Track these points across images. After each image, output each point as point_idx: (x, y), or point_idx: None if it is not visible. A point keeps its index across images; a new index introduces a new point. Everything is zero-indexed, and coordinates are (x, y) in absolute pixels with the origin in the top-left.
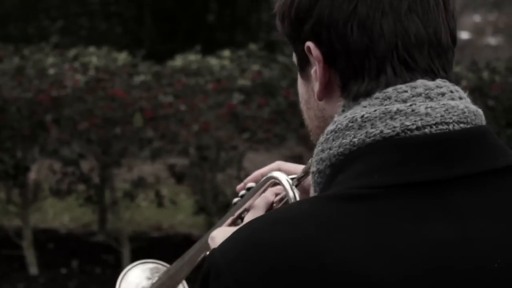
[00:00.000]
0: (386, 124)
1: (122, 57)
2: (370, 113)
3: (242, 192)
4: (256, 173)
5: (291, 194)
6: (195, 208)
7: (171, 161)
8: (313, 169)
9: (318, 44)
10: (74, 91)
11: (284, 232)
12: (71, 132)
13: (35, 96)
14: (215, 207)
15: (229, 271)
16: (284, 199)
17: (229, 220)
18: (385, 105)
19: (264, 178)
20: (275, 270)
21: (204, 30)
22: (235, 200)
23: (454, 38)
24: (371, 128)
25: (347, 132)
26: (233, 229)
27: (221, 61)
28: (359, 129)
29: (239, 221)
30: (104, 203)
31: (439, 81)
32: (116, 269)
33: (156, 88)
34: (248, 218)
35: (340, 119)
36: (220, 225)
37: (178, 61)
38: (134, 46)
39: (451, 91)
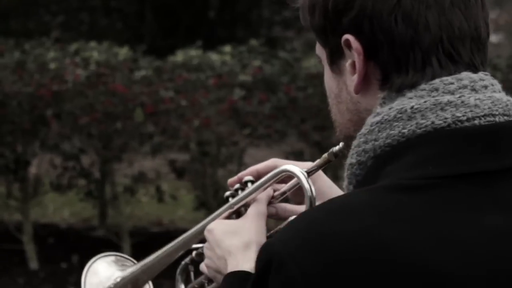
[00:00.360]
0: (437, 115)
1: (123, 52)
2: (420, 104)
3: (237, 185)
4: (252, 169)
5: (306, 186)
6: (196, 204)
7: (172, 156)
8: (351, 160)
9: (358, 37)
10: (75, 86)
11: (347, 222)
12: (72, 126)
13: (36, 90)
14: (216, 203)
15: (292, 261)
16: (285, 193)
17: (226, 214)
18: (433, 96)
19: (276, 171)
20: (341, 260)
21: (205, 26)
22: (228, 193)
23: (489, 34)
24: (422, 119)
25: (395, 123)
26: (235, 222)
27: (222, 57)
28: (408, 120)
29: (234, 216)
30: (104, 198)
31: (481, 74)
32: None
33: (157, 83)
34: (252, 211)
35: (386, 111)
36: (215, 219)
37: (179, 56)
38: (135, 41)
39: (492, 84)
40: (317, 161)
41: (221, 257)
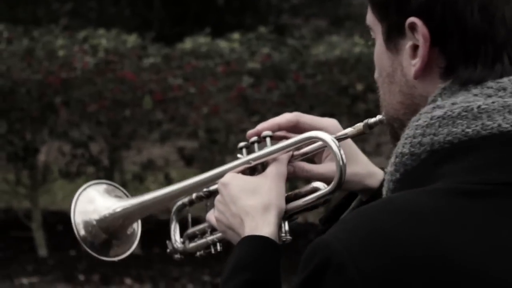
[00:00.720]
0: (504, 118)
1: (132, 39)
2: (487, 104)
3: (254, 138)
4: (273, 122)
5: (338, 156)
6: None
7: (180, 143)
8: (403, 150)
9: (426, 22)
10: (83, 73)
11: (410, 227)
12: (81, 114)
13: (45, 78)
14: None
15: (353, 263)
16: (306, 154)
17: (242, 168)
18: (500, 96)
19: (304, 136)
20: (403, 265)
21: (213, 13)
22: (242, 144)
23: None
24: (488, 120)
25: (459, 121)
26: (254, 180)
27: (230, 44)
28: (473, 119)
29: (248, 171)
30: None
31: None
32: None
33: (166, 70)
34: (272, 171)
35: (449, 105)
36: (228, 171)
37: (187, 43)
38: (144, 29)
39: None
40: (349, 130)
41: (236, 215)
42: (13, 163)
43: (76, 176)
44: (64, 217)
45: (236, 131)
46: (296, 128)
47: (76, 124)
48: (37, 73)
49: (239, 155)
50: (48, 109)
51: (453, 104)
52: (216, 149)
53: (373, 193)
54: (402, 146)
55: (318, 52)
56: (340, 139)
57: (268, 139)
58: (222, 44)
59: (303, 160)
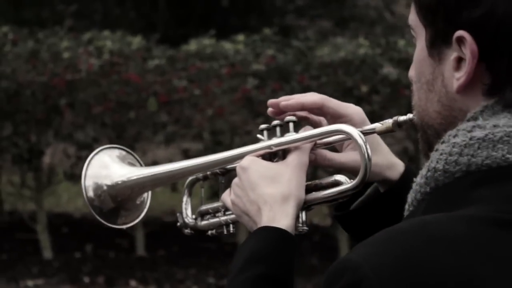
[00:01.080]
0: None
1: (136, 41)
2: None
3: (276, 122)
4: (298, 101)
5: (363, 151)
6: (209, 193)
7: (185, 145)
8: (437, 165)
9: (477, 38)
10: (88, 75)
11: (443, 256)
12: (85, 116)
13: (50, 80)
14: (227, 187)
15: None
16: (329, 144)
17: (262, 152)
18: None
19: (330, 129)
20: None
21: (218, 15)
22: (263, 126)
23: None
24: None
25: (500, 146)
26: (274, 167)
27: (235, 46)
28: None
29: (267, 156)
30: None
31: None
32: (130, 253)
33: (170, 72)
34: (294, 160)
35: (490, 127)
36: (247, 154)
37: (192, 45)
38: (148, 30)
39: None
40: (377, 125)
41: (253, 202)
42: (18, 165)
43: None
44: (69, 219)
45: (241, 133)
46: (320, 111)
47: (81, 126)
48: (42, 75)
49: (259, 136)
50: (53, 111)
51: (495, 126)
52: (221, 151)
53: (392, 185)
54: (436, 161)
55: (323, 53)
56: (366, 133)
57: (291, 124)
58: (227, 45)
59: (325, 148)
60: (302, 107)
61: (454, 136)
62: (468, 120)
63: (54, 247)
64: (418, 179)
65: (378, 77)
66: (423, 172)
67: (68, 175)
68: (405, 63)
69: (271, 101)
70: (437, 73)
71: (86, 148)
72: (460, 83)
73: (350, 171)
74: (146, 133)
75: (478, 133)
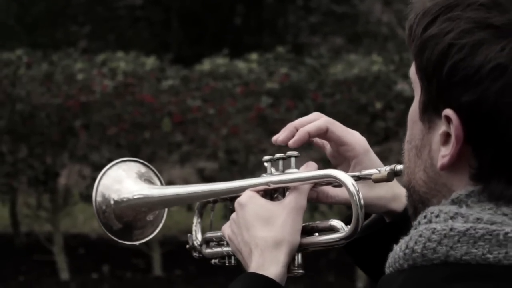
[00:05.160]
0: None
1: (150, 61)
2: None
3: (279, 155)
4: (303, 132)
5: (356, 201)
6: (225, 212)
7: (200, 165)
8: (415, 246)
9: (464, 123)
10: (102, 96)
11: None
12: (100, 137)
13: (64, 101)
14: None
15: None
16: (329, 184)
17: (261, 188)
18: None
19: (324, 174)
20: None
21: (231, 33)
22: (266, 158)
23: None
24: None
25: (481, 243)
26: (270, 208)
27: (248, 64)
28: (498, 246)
29: (265, 194)
30: None
31: None
32: (146, 273)
33: (184, 92)
34: (290, 202)
35: (473, 221)
36: (248, 187)
37: (206, 65)
38: (162, 51)
39: None
40: (374, 172)
41: (246, 243)
42: (34, 187)
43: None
44: (85, 240)
45: (256, 151)
46: (325, 135)
47: (96, 147)
48: (57, 97)
49: (265, 164)
50: (68, 133)
51: (478, 219)
52: (236, 169)
53: (396, 217)
54: (415, 242)
55: (336, 71)
56: (362, 178)
57: (293, 160)
58: (240, 64)
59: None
60: (309, 136)
61: (436, 216)
62: (453, 202)
63: (71, 268)
64: (398, 249)
65: (392, 93)
66: (402, 246)
67: (83, 196)
68: None
69: (277, 140)
70: (426, 141)
71: (101, 169)
72: (444, 162)
73: None
74: (161, 153)
75: (459, 225)
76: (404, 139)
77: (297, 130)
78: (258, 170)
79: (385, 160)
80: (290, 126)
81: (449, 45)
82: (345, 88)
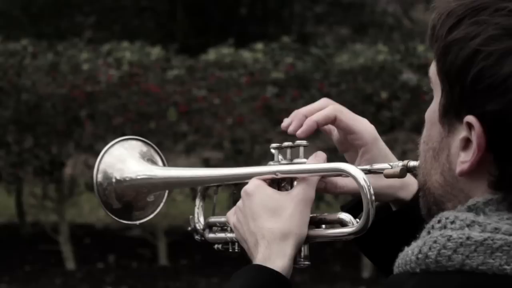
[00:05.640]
0: None
1: (156, 51)
2: None
3: (287, 143)
4: (311, 120)
5: (367, 196)
6: (230, 202)
7: (206, 154)
8: (429, 253)
9: (487, 132)
10: (108, 86)
11: None
12: (106, 127)
13: (70, 91)
14: (239, 197)
15: None
16: (338, 176)
17: (269, 177)
18: None
19: (335, 167)
20: None
21: (236, 23)
22: (274, 145)
23: None
24: None
25: (498, 254)
26: (278, 198)
27: (254, 54)
28: None
29: (273, 184)
30: None
31: None
32: (152, 263)
33: (190, 82)
34: (299, 194)
35: (491, 230)
36: (255, 175)
37: (211, 54)
38: (167, 41)
39: None
40: (386, 167)
41: (252, 233)
42: (39, 177)
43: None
44: (91, 230)
45: (261, 141)
46: (333, 123)
47: (101, 137)
48: (62, 87)
49: (272, 151)
50: (73, 123)
51: (496, 229)
52: (241, 159)
53: (405, 205)
54: (429, 248)
55: (342, 60)
56: (373, 172)
57: (301, 149)
58: (246, 54)
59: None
60: (317, 125)
61: (452, 223)
62: (469, 208)
63: (76, 258)
64: (409, 253)
65: (397, 83)
66: (414, 250)
67: (89, 186)
68: (424, 68)
69: (286, 128)
70: (444, 144)
71: None
72: (463, 168)
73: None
74: (166, 143)
75: (477, 235)
76: (419, 138)
77: (306, 118)
78: (263, 159)
79: (390, 150)
80: (299, 114)
81: (475, 51)
82: (351, 78)
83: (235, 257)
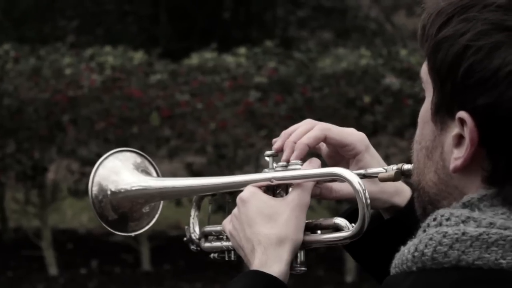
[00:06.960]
0: None
1: (138, 56)
2: None
3: (285, 162)
4: (302, 144)
5: (363, 200)
6: (214, 207)
7: (189, 159)
8: (425, 250)
9: (479, 126)
10: (90, 91)
11: None
12: (88, 132)
13: (52, 96)
14: (234, 205)
15: None
16: (333, 181)
17: (264, 184)
18: None
19: (330, 172)
20: None
21: (219, 28)
22: (269, 153)
23: None
24: None
25: (494, 249)
26: (274, 204)
27: (237, 59)
28: (511, 251)
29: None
30: None
31: None
32: (135, 268)
33: (173, 86)
34: (294, 199)
35: (486, 225)
36: (250, 183)
37: (194, 59)
38: (150, 45)
39: None
40: (380, 171)
41: (248, 239)
42: (22, 182)
43: (85, 194)
44: (74, 235)
45: (244, 145)
46: (324, 141)
47: (84, 142)
48: (44, 92)
49: (266, 159)
50: (56, 128)
51: (491, 224)
52: (224, 164)
53: (398, 212)
54: (425, 245)
55: (325, 65)
56: (367, 176)
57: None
58: (229, 59)
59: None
60: (308, 149)
61: (447, 220)
62: (464, 205)
63: (59, 263)
64: (406, 252)
65: (380, 87)
66: (410, 248)
67: (72, 191)
68: (407, 72)
69: (276, 147)
70: (437, 142)
71: (90, 164)
72: (457, 165)
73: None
74: (149, 148)
75: (472, 230)
76: (413, 139)
77: (295, 143)
78: (246, 164)
79: None
80: (288, 143)
81: (465, 46)
82: (334, 82)
83: (219, 262)
